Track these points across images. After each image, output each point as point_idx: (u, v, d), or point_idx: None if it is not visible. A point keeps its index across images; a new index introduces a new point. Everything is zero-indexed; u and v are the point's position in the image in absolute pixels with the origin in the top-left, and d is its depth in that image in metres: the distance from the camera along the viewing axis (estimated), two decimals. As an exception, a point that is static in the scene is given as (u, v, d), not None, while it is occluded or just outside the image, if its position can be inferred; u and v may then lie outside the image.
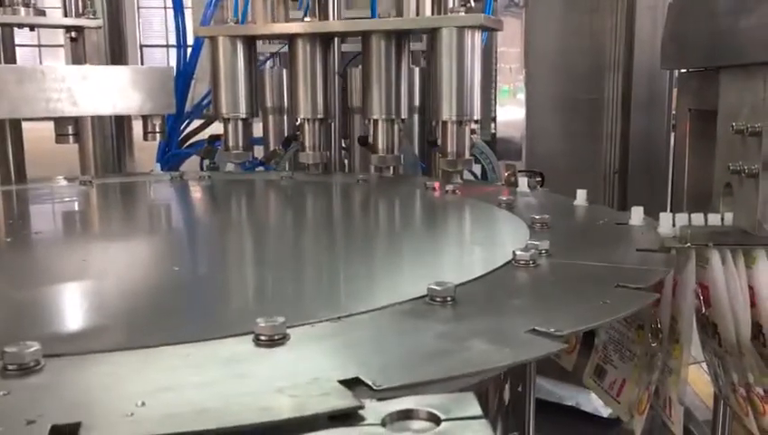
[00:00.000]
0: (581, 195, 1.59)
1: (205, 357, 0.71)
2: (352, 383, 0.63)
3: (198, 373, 0.67)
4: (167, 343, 0.74)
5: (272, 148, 2.76)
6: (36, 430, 0.55)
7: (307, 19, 2.29)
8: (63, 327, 0.88)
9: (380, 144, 2.23)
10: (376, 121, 2.22)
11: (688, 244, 1.24)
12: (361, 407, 0.58)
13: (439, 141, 2.17)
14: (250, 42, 2.34)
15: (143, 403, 0.59)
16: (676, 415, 1.23)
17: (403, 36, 2.21)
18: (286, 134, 2.74)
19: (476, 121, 2.20)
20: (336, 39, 2.51)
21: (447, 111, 2.08)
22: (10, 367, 0.66)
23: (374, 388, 0.63)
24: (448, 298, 0.88)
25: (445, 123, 2.11)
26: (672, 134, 2.48)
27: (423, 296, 0.89)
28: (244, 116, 2.36)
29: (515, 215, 1.48)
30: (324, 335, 0.78)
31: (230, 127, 2.37)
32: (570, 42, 2.68)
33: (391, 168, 2.28)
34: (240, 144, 2.37)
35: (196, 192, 2.02)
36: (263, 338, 0.74)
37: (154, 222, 1.74)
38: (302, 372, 0.66)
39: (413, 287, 0.92)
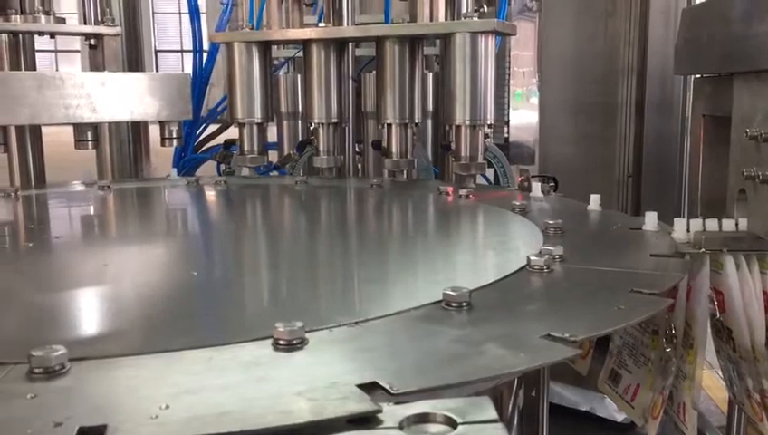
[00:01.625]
0: (595, 200, 1.60)
1: (226, 361, 0.73)
2: (370, 387, 0.65)
3: (220, 377, 0.69)
4: (188, 346, 0.76)
5: (286, 152, 2.78)
6: (63, 433, 0.57)
7: (321, 25, 2.31)
8: (87, 331, 0.90)
9: (394, 148, 2.24)
10: (390, 126, 2.24)
11: (702, 249, 1.25)
12: (380, 411, 0.59)
13: (453, 145, 2.18)
14: (265, 47, 2.36)
15: (167, 406, 0.61)
16: (690, 420, 1.23)
17: (417, 41, 2.23)
18: (300, 139, 2.76)
19: (489, 126, 2.21)
20: (350, 44, 2.53)
21: (461, 116, 2.09)
22: (36, 370, 0.68)
23: (391, 392, 0.64)
24: (464, 303, 0.89)
25: (458, 127, 2.12)
26: (686, 139, 2.48)
27: (439, 301, 0.90)
28: (259, 121, 2.38)
29: (529, 220, 1.48)
30: (342, 340, 0.79)
31: (245, 131, 2.39)
32: (583, 46, 2.69)
33: (405, 172, 2.29)
34: (255, 148, 2.40)
35: (212, 197, 2.04)
36: (281, 342, 0.75)
37: (171, 227, 1.76)
38: (321, 376, 0.68)
39: (429, 292, 0.93)
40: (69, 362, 0.70)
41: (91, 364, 0.71)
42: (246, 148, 2.40)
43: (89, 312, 0.99)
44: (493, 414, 0.58)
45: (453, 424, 0.58)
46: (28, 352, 0.69)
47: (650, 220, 1.37)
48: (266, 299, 1.08)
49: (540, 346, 0.77)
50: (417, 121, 2.27)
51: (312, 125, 2.36)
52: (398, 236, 1.60)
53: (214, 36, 2.46)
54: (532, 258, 1.08)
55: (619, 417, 2.21)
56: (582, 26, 2.69)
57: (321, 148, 2.34)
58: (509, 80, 3.38)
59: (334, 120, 2.32)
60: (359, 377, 0.66)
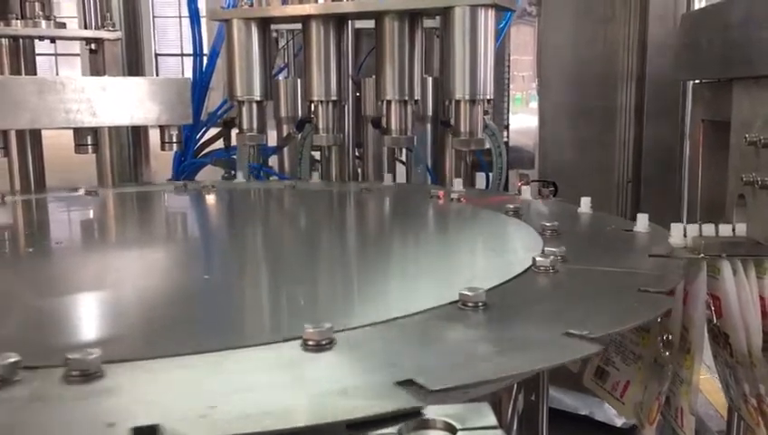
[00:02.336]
0: (585, 202, 1.60)
1: (261, 361, 0.74)
2: (405, 385, 0.65)
3: (260, 376, 0.70)
4: (227, 347, 0.76)
5: (286, 158, 2.78)
6: (116, 433, 0.57)
7: (321, 0, 2.29)
8: (121, 334, 0.90)
9: (393, 125, 2.22)
10: (389, 102, 2.21)
11: (701, 254, 1.25)
12: (423, 407, 0.60)
13: (452, 121, 2.16)
14: (264, 24, 2.35)
15: (215, 406, 0.61)
16: (688, 425, 1.23)
17: (416, 17, 2.20)
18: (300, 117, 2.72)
19: (489, 101, 2.19)
20: (349, 23, 2.51)
21: (461, 90, 2.07)
22: (74, 373, 0.68)
23: (429, 389, 0.64)
24: (480, 303, 0.90)
25: (458, 102, 2.10)
26: (685, 144, 2.48)
27: (454, 302, 0.91)
28: (258, 98, 2.35)
29: (524, 222, 1.49)
30: (368, 339, 0.80)
31: (244, 109, 2.37)
32: (582, 50, 2.69)
33: (402, 150, 2.24)
34: (255, 126, 2.38)
35: (201, 202, 2.05)
36: (311, 343, 0.76)
37: (169, 231, 1.76)
38: (355, 375, 0.69)
39: (441, 293, 0.94)
40: (106, 364, 0.70)
41: (126, 366, 0.71)
42: (245, 126, 2.38)
43: (117, 315, 0.99)
44: (492, 420, 0.59)
45: (452, 430, 0.58)
46: (65, 356, 0.69)
47: (642, 222, 1.37)
48: (285, 301, 1.08)
49: (560, 344, 0.78)
50: (416, 98, 2.25)
51: (311, 103, 2.35)
52: (397, 240, 1.60)
53: (214, 14, 2.43)
54: (537, 259, 1.08)
55: (619, 421, 2.21)
56: (581, 31, 2.69)
57: (320, 126, 2.32)
58: (509, 84, 3.39)
59: (333, 98, 2.30)
60: (393, 375, 0.67)
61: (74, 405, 0.63)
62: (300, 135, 2.55)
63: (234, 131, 2.58)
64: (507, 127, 3.44)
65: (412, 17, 2.18)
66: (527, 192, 1.82)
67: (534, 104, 2.98)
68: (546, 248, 1.15)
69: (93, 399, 0.64)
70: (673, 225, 1.34)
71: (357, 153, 2.82)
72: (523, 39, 3.25)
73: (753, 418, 1.25)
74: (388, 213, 1.93)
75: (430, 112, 2.64)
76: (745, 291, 1.21)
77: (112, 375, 0.69)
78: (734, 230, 1.35)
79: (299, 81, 2.73)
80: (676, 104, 2.50)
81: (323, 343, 0.76)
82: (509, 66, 3.41)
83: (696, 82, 1.76)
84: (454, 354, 0.76)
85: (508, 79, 3.39)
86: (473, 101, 2.09)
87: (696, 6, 2.44)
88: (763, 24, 1.30)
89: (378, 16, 2.20)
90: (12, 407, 0.63)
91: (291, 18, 2.39)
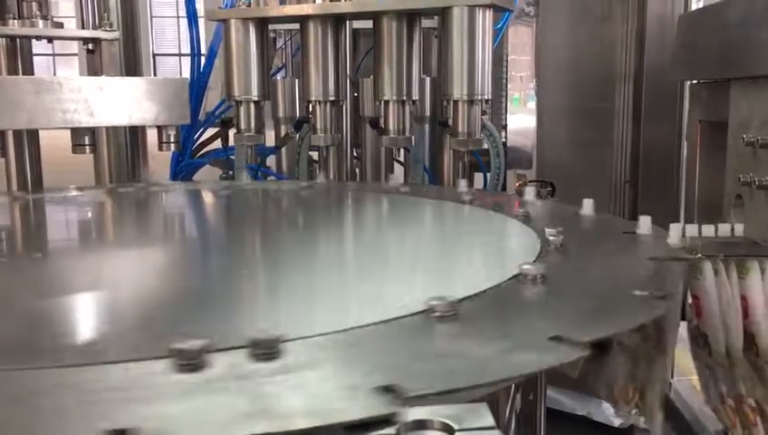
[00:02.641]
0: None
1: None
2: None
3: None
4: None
5: (284, 159, 2.78)
6: None
7: (318, 1, 2.29)
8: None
9: (391, 125, 2.22)
10: (387, 102, 2.21)
11: (699, 254, 1.25)
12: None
13: (450, 121, 2.16)
14: (262, 24, 2.35)
15: None
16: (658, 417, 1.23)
17: (414, 16, 2.20)
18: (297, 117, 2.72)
19: (487, 101, 2.19)
20: (347, 23, 2.51)
21: (459, 90, 2.07)
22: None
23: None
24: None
25: (456, 102, 2.10)
26: (683, 144, 2.49)
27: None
28: (256, 98, 2.35)
29: (527, 225, 1.48)
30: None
31: (242, 109, 2.37)
32: (580, 51, 2.69)
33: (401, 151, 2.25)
34: (252, 126, 2.38)
35: (197, 202, 2.04)
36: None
37: (175, 231, 1.76)
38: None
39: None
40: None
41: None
42: (243, 126, 2.38)
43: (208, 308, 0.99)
44: (490, 421, 0.59)
45: (450, 431, 0.58)
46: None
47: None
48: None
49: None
50: (414, 99, 2.25)
51: (309, 103, 2.34)
52: (390, 244, 1.59)
53: (212, 14, 2.43)
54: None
55: (616, 421, 2.21)
56: (579, 31, 2.70)
57: (318, 126, 2.32)
58: (507, 84, 3.39)
59: (331, 98, 2.30)
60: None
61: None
62: (298, 135, 2.55)
63: (232, 131, 2.57)
64: (505, 127, 3.44)
65: (410, 17, 2.18)
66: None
67: (532, 104, 2.98)
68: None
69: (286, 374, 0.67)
70: (672, 225, 1.34)
71: (355, 153, 2.82)
72: (520, 39, 3.25)
73: (731, 419, 1.25)
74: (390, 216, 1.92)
75: (428, 113, 2.64)
76: (726, 291, 1.21)
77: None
78: (732, 230, 1.35)
79: (296, 81, 2.73)
80: (674, 105, 2.51)
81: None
82: (507, 66, 3.41)
83: (694, 82, 1.76)
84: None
85: (506, 79, 3.39)
86: (471, 102, 2.09)
87: (694, 7, 2.44)
88: (761, 25, 1.30)
89: (376, 16, 2.20)
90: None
91: (289, 18, 2.39)
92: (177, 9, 18.58)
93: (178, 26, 19.23)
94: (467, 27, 2.03)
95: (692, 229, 1.34)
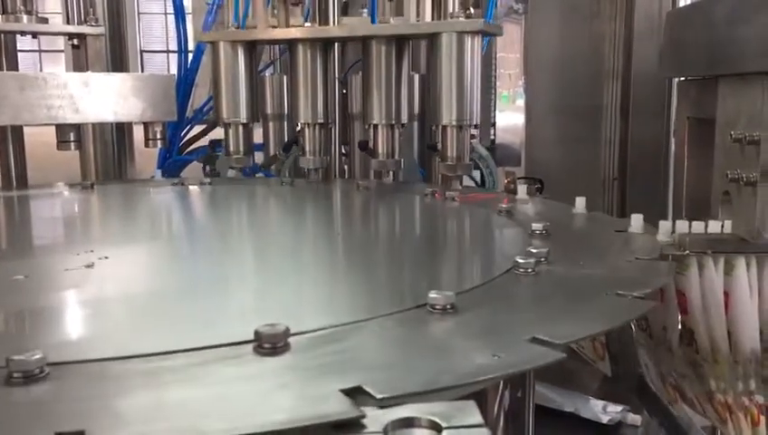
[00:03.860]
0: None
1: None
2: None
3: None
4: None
5: (272, 154, 2.77)
6: None
7: (307, 24, 2.30)
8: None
9: (380, 149, 2.24)
10: (376, 126, 2.23)
11: (687, 251, 1.25)
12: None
13: (439, 146, 2.17)
14: (251, 47, 2.35)
15: None
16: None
17: (403, 41, 2.22)
18: (286, 140, 2.75)
19: (476, 126, 2.21)
20: (336, 44, 2.52)
21: (447, 116, 2.09)
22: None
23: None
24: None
25: (445, 128, 2.12)
26: (671, 141, 2.50)
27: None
28: (244, 121, 2.36)
29: (515, 222, 1.48)
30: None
31: (231, 132, 2.37)
32: (569, 48, 2.70)
33: (391, 173, 2.29)
34: (241, 149, 2.38)
35: (205, 198, 2.03)
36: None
37: (183, 228, 1.75)
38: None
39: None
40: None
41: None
42: (232, 148, 2.38)
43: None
44: (478, 419, 0.58)
45: (438, 429, 0.57)
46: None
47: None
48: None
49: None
50: (403, 122, 2.26)
51: (298, 126, 2.35)
52: (385, 240, 1.59)
53: (200, 36, 2.44)
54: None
55: (605, 418, 2.22)
56: (568, 29, 2.70)
57: (307, 148, 2.33)
58: (495, 82, 3.40)
59: (320, 121, 2.31)
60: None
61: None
62: (287, 156, 2.55)
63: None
64: (494, 125, 3.45)
65: (399, 42, 2.19)
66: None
67: (521, 102, 2.99)
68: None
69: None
70: (661, 222, 1.35)
71: (343, 150, 2.80)
72: (509, 37, 3.26)
73: (720, 414, 1.26)
74: (381, 211, 1.92)
75: (417, 110, 2.63)
76: (712, 288, 1.22)
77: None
78: (722, 227, 1.35)
79: (285, 77, 2.72)
80: (662, 101, 2.52)
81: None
82: (496, 64, 3.42)
83: (682, 79, 1.76)
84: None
85: (495, 77, 3.40)
86: (460, 127, 2.10)
87: (682, 4, 2.45)
88: (748, 22, 1.30)
89: (365, 41, 2.21)
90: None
91: (278, 41, 2.39)
92: (165, 5, 18.45)
93: (166, 23, 19.12)
94: (456, 53, 2.04)
95: (682, 226, 1.34)
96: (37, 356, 0.68)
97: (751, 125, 1.27)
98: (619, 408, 2.18)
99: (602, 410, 2.20)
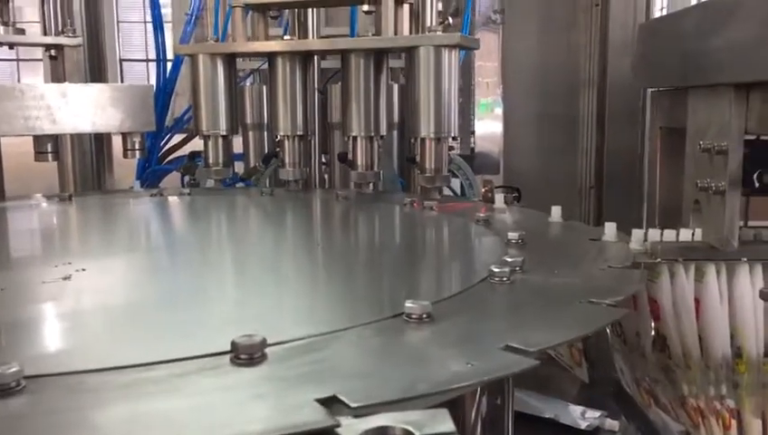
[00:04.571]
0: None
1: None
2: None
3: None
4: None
5: (252, 163, 2.77)
6: None
7: (287, 37, 2.32)
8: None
9: (360, 161, 2.25)
10: (355, 139, 2.24)
11: (658, 259, 1.28)
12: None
13: (418, 158, 2.19)
14: (230, 59, 2.36)
15: None
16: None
17: (382, 54, 2.24)
18: (266, 150, 2.75)
19: (454, 138, 2.23)
20: (316, 56, 2.54)
21: (425, 129, 2.11)
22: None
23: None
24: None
25: (423, 140, 2.14)
26: (646, 150, 2.53)
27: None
28: (224, 133, 2.37)
29: (492, 232, 1.50)
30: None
31: (210, 144, 2.38)
32: (546, 58, 2.73)
33: (371, 184, 2.30)
34: (220, 161, 2.39)
35: (184, 209, 2.03)
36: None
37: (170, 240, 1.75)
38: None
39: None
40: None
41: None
42: (211, 160, 2.38)
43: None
44: (450, 426, 0.59)
45: (411, 436, 0.58)
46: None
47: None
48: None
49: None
50: (382, 134, 2.28)
51: (277, 137, 2.36)
52: (364, 249, 1.60)
53: (179, 48, 2.45)
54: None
55: (583, 424, 2.23)
56: (545, 39, 2.73)
57: (286, 160, 2.33)
58: (474, 90, 3.42)
59: (299, 133, 2.32)
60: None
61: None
62: (266, 168, 2.56)
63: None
64: (473, 133, 3.47)
65: (378, 56, 2.22)
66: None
67: (500, 110, 3.01)
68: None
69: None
70: (634, 231, 1.37)
71: (324, 160, 2.82)
72: (488, 45, 3.28)
73: (693, 418, 1.29)
74: (360, 221, 1.93)
75: (396, 119, 2.65)
76: (683, 295, 1.25)
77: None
78: (693, 235, 1.38)
79: (264, 87, 2.73)
80: (637, 111, 2.55)
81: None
82: (474, 72, 3.45)
83: (654, 89, 1.80)
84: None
85: (474, 85, 3.43)
86: (438, 139, 2.12)
87: (656, 15, 2.49)
88: (716, 34, 1.33)
89: (344, 54, 2.23)
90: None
91: (257, 54, 2.40)
92: (144, 14, 18.34)
93: (146, 32, 19.00)
94: (434, 67, 2.06)
95: (654, 234, 1.37)
96: (13, 369, 0.69)
97: (719, 135, 1.30)
98: (597, 413, 2.20)
99: (581, 416, 2.22)
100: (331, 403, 0.65)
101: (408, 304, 0.90)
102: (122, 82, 15.64)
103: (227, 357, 0.76)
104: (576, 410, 2.22)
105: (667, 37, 1.58)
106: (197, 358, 0.76)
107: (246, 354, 0.75)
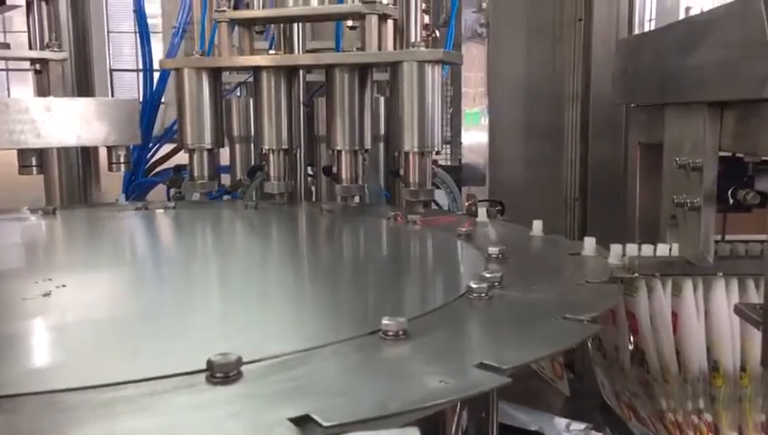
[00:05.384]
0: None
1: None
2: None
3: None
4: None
5: (238, 176, 2.78)
6: None
7: (272, 52, 2.33)
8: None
9: (344, 174, 2.27)
10: (340, 152, 2.26)
11: (636, 274, 1.30)
12: None
13: (401, 171, 2.21)
14: (215, 73, 2.37)
15: None
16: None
17: (366, 69, 2.26)
18: (253, 162, 2.76)
19: (438, 152, 2.26)
20: (301, 70, 2.55)
21: (409, 143, 2.13)
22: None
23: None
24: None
25: (407, 154, 2.16)
26: (628, 164, 2.55)
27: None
28: (209, 146, 2.38)
29: (473, 246, 1.51)
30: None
31: (195, 157, 2.38)
32: (531, 71, 2.75)
33: (356, 197, 2.31)
34: (205, 174, 2.39)
35: (169, 222, 2.03)
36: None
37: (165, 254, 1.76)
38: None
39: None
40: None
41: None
42: (196, 173, 2.39)
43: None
44: (419, 444, 0.60)
45: (379, 456, 0.59)
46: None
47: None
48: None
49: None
50: (367, 148, 2.30)
51: (262, 151, 2.37)
52: (346, 263, 1.61)
53: (164, 63, 2.46)
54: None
55: (568, 436, 2.24)
56: (530, 52, 2.75)
57: (271, 174, 2.35)
58: (459, 102, 3.44)
59: (285, 147, 2.33)
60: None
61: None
62: (251, 181, 2.57)
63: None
64: (460, 145, 3.48)
65: (362, 70, 2.24)
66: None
67: (485, 122, 3.03)
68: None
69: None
70: (612, 246, 1.39)
71: (310, 172, 2.82)
72: (473, 56, 3.30)
73: (672, 433, 1.30)
74: (344, 235, 1.94)
75: (382, 131, 2.67)
76: (660, 309, 1.26)
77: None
78: (670, 250, 1.40)
79: (251, 99, 2.74)
80: (619, 125, 2.57)
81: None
82: (461, 83, 3.47)
83: (634, 105, 1.82)
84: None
85: (450, 97, 3.45)
86: (422, 153, 2.15)
87: (645, 28, 2.52)
88: (692, 52, 1.35)
89: (328, 69, 2.25)
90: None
91: (242, 68, 2.41)
92: (135, 24, 18.35)
93: (136, 42, 18.98)
94: (417, 82, 2.09)
95: (632, 249, 1.39)
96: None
97: (694, 152, 1.32)
98: (582, 426, 2.21)
99: (566, 429, 2.23)
100: (304, 422, 0.66)
101: (385, 320, 0.91)
102: (112, 92, 15.61)
103: (203, 376, 0.77)
104: (561, 422, 2.23)
105: (645, 54, 1.61)
106: (173, 376, 0.77)
107: (222, 373, 0.76)
